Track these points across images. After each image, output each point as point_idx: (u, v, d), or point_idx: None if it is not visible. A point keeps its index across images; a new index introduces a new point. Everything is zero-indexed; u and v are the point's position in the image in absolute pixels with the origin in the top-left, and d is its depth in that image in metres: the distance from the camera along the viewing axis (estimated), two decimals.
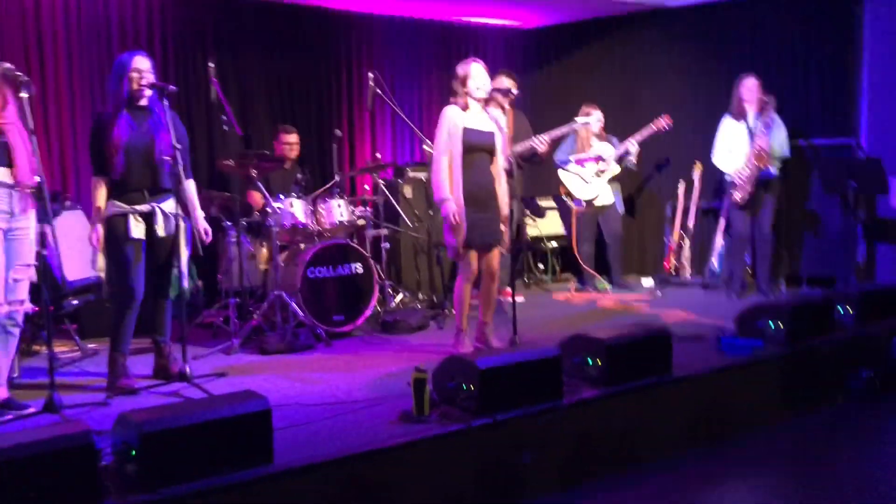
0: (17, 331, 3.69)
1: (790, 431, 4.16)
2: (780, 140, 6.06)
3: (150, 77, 4.05)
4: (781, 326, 4.48)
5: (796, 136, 6.49)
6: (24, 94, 3.48)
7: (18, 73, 3.52)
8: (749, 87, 6.07)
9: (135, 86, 4.01)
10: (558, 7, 7.29)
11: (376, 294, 5.41)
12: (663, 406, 3.88)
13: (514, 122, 6.13)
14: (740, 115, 6.13)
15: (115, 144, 3.94)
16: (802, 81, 6.76)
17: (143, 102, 4.07)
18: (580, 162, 6.61)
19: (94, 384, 4.20)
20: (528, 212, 7.13)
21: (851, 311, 4.86)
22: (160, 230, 4.07)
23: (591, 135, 6.61)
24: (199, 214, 4.27)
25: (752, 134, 6.07)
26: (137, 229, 4.03)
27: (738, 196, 6.08)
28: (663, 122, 6.58)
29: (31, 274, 3.66)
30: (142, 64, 4.03)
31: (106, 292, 4.05)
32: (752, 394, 4.22)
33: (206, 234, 4.26)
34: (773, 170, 6.05)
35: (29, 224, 3.63)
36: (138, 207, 4.03)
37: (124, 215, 4.01)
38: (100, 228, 4.00)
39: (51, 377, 3.62)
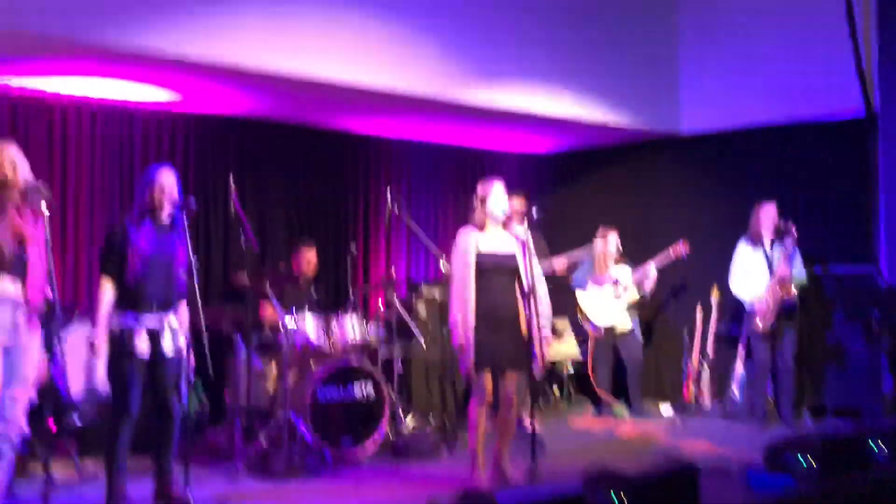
0: (10, 453, 3.54)
1: None
2: (798, 268, 6.02)
3: (173, 194, 4.05)
4: (812, 462, 4.27)
5: (814, 263, 6.44)
6: (44, 209, 3.47)
7: (41, 187, 3.52)
8: (769, 214, 6.07)
9: (157, 200, 4.01)
10: (572, 134, 7.43)
11: (387, 417, 5.23)
12: None
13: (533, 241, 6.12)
14: (757, 240, 6.11)
15: (139, 253, 3.90)
16: (820, 208, 6.76)
17: (165, 217, 4.06)
18: (597, 283, 6.56)
19: None
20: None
21: (885, 448, 4.64)
22: (167, 348, 3.97)
23: (608, 259, 6.58)
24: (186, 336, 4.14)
25: (769, 260, 6.03)
26: (143, 345, 3.93)
27: (759, 325, 5.98)
28: (681, 249, 6.56)
29: (30, 394, 3.55)
30: (166, 179, 4.05)
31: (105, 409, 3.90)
32: None
33: (190, 361, 4.13)
34: (794, 298, 5.97)
35: (32, 342, 3.54)
36: (147, 323, 3.95)
37: (130, 330, 3.90)
38: (104, 337, 3.88)
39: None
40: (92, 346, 3.90)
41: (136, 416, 3.95)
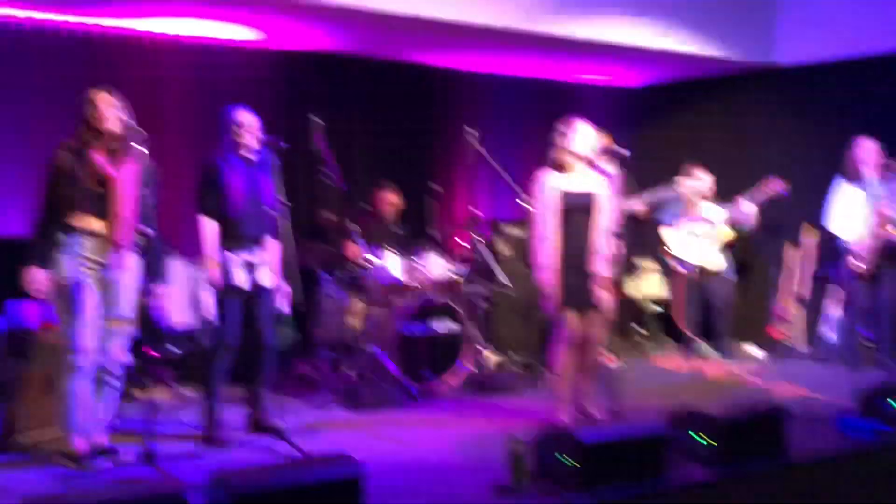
0: (116, 382, 3.75)
1: None
2: None
3: (256, 131, 4.13)
4: None
5: None
6: (141, 149, 3.59)
7: (138, 129, 3.64)
8: (867, 150, 5.76)
9: (238, 139, 4.09)
10: (662, 67, 7.16)
11: (470, 353, 5.29)
12: (778, 491, 3.58)
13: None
14: (856, 178, 5.81)
15: (235, 187, 4.01)
16: None
17: (251, 155, 4.15)
18: (687, 223, 6.39)
19: (189, 434, 4.21)
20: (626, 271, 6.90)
21: None
22: (265, 280, 4.10)
23: (699, 198, 6.39)
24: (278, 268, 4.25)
25: (871, 199, 5.74)
26: (243, 278, 4.06)
27: (857, 266, 5.73)
28: (776, 186, 6.31)
29: (131, 328, 3.73)
30: (244, 118, 4.13)
31: (207, 339, 4.08)
32: (877, 484, 3.86)
33: (287, 294, 4.23)
34: None
35: (126, 278, 3.69)
36: (246, 257, 4.08)
37: (229, 263, 4.04)
38: (217, 269, 4.01)
39: (148, 427, 3.64)
40: (206, 281, 4.03)
41: (235, 346, 4.12)
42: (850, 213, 5.83)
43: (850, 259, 5.81)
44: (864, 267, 5.70)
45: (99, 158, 3.56)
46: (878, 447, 3.93)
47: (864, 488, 3.79)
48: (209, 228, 4.04)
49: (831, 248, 6.43)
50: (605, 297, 4.37)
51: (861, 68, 6.66)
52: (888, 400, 4.20)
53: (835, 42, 6.68)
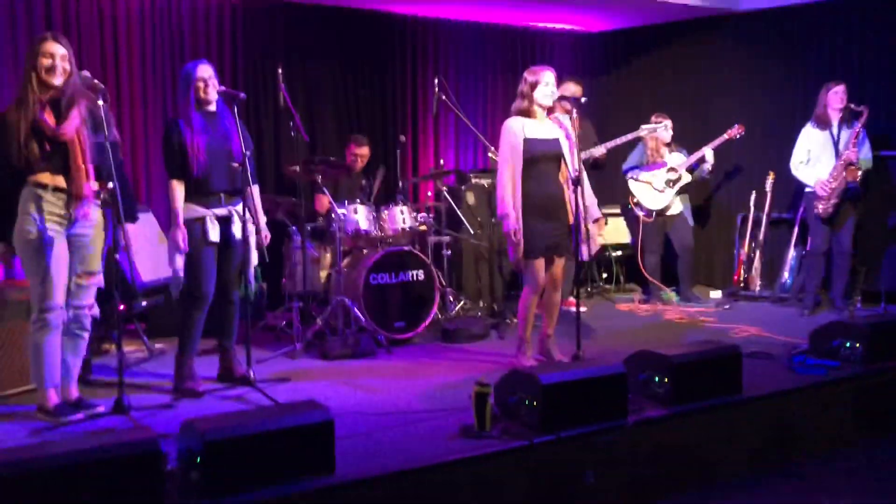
0: (85, 334, 3.78)
1: (865, 456, 3.98)
2: (866, 152, 5.84)
3: (215, 84, 4.11)
4: (858, 347, 4.31)
5: (881, 147, 6.23)
6: (100, 102, 3.56)
7: (95, 81, 3.61)
8: (840, 93, 5.84)
9: (201, 94, 4.08)
10: (627, 11, 7.17)
11: (437, 301, 5.39)
12: (732, 427, 3.75)
13: (580, 128, 6.04)
14: (824, 123, 5.91)
15: (197, 146, 4.00)
16: (888, 89, 6.48)
17: (212, 108, 4.14)
18: (649, 170, 6.48)
19: (160, 385, 4.28)
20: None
21: None
22: (237, 232, 4.13)
23: (661, 144, 6.47)
24: (262, 219, 4.29)
25: (836, 144, 5.84)
26: (214, 232, 4.09)
27: (820, 209, 5.85)
28: (735, 131, 6.41)
29: (98, 280, 3.75)
30: (205, 72, 4.10)
31: (177, 293, 4.11)
32: (826, 416, 4.06)
33: (266, 238, 4.25)
34: (858, 182, 5.82)
35: (92, 231, 3.70)
36: (216, 211, 4.10)
37: (202, 218, 4.07)
38: (184, 229, 4.04)
39: (120, 378, 3.71)
40: (175, 241, 4.04)
41: (210, 299, 4.16)
42: (813, 158, 5.94)
43: (811, 202, 5.93)
44: (826, 210, 5.82)
45: (49, 115, 3.51)
46: (826, 382, 4.11)
47: (812, 421, 3.98)
48: (175, 190, 4.06)
49: (791, 193, 6.58)
50: (570, 243, 4.45)
51: (821, 11, 6.72)
52: (838, 339, 4.38)
53: None
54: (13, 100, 3.57)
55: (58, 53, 3.53)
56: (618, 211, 7.27)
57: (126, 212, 3.75)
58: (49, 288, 3.54)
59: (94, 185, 3.62)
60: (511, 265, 4.66)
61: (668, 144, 6.51)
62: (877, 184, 6.32)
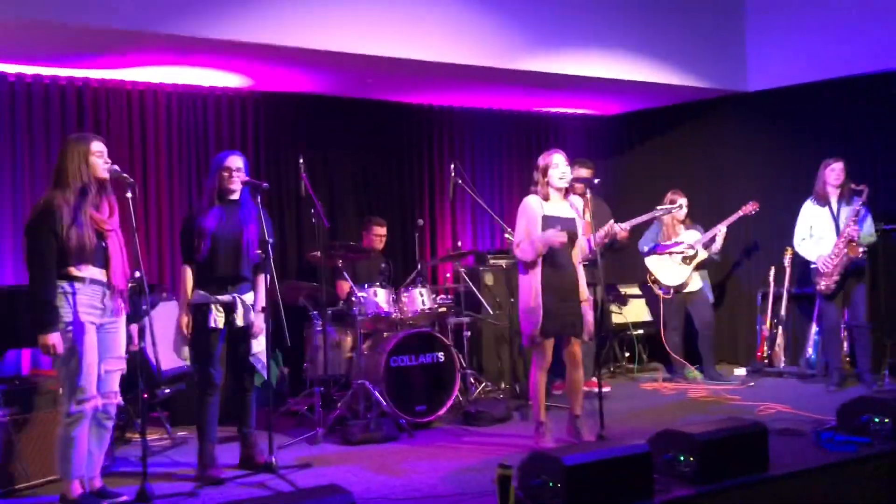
0: (110, 424, 3.82)
1: None
2: (868, 228, 5.89)
3: (242, 174, 4.26)
4: (887, 422, 4.23)
5: (886, 220, 6.27)
6: (128, 195, 3.70)
7: (125, 175, 3.75)
8: (837, 171, 5.93)
9: (225, 183, 4.22)
10: (639, 95, 7.35)
11: (458, 383, 5.38)
12: None
13: (594, 209, 6.12)
14: (823, 199, 5.98)
15: (202, 233, 4.13)
16: (893, 164, 6.55)
17: (235, 197, 4.27)
18: (665, 248, 6.53)
19: (183, 473, 4.27)
20: (611, 299, 7.03)
21: None
22: (239, 320, 4.19)
23: (676, 222, 6.54)
24: (260, 306, 4.30)
25: (836, 219, 5.90)
26: (218, 319, 4.16)
27: (822, 285, 5.88)
28: (750, 207, 6.47)
29: (122, 367, 3.81)
30: (234, 163, 4.26)
31: (188, 381, 4.17)
32: (858, 495, 3.95)
33: (259, 329, 4.28)
34: (862, 256, 5.84)
35: (120, 321, 3.80)
36: (220, 298, 4.18)
37: (206, 304, 4.15)
38: (187, 316, 4.14)
39: (144, 467, 3.71)
40: (180, 327, 4.15)
41: (219, 386, 4.21)
42: (815, 234, 6.00)
43: (816, 279, 5.96)
44: (829, 286, 5.84)
45: (95, 213, 3.66)
46: (856, 459, 4.02)
47: (843, 499, 3.88)
48: (182, 277, 4.20)
49: (806, 269, 6.58)
50: (587, 322, 4.48)
51: (826, 90, 6.86)
52: (867, 414, 4.31)
53: (802, 67, 6.89)
54: (52, 195, 3.63)
55: (104, 151, 3.72)
56: (634, 291, 7.30)
57: (143, 309, 3.84)
58: (84, 380, 3.60)
59: (135, 274, 3.74)
60: (525, 341, 4.66)
61: (683, 222, 6.58)
62: (887, 257, 6.32)
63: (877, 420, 4.26)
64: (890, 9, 6.30)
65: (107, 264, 3.69)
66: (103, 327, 3.72)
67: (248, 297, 4.26)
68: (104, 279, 3.69)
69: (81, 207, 3.60)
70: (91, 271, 3.65)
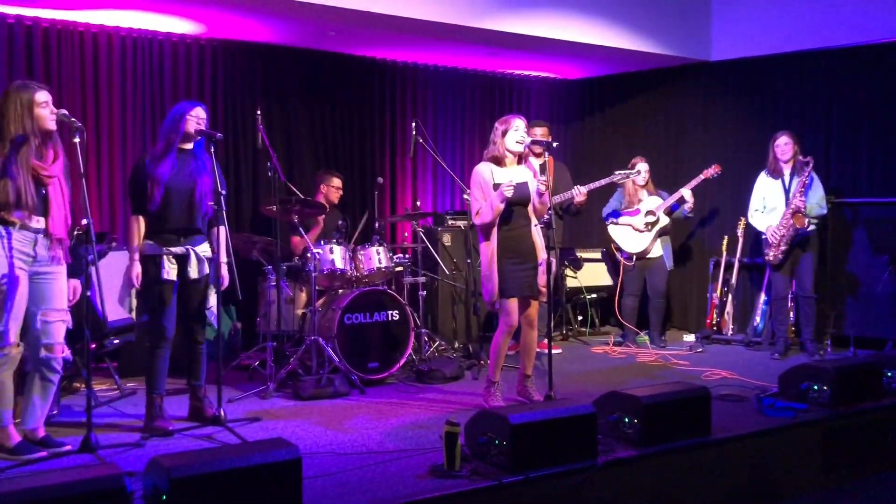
0: (55, 377, 3.75)
1: (834, 500, 4.01)
2: (817, 199, 6.00)
3: (201, 125, 4.18)
4: (826, 389, 4.36)
5: (846, 195, 6.39)
6: (76, 140, 3.60)
7: (73, 120, 3.64)
8: (782, 145, 6.03)
9: (191, 128, 4.13)
10: (603, 60, 7.34)
11: (412, 342, 5.40)
12: (701, 468, 3.77)
13: (555, 172, 6.15)
14: (776, 172, 6.08)
15: (156, 181, 4.04)
16: (850, 138, 6.67)
17: (188, 146, 4.18)
18: (628, 214, 6.59)
19: (130, 424, 4.24)
20: (566, 263, 7.08)
21: None
22: (193, 272, 4.14)
23: (639, 188, 6.58)
24: (223, 260, 4.30)
25: (787, 192, 6.00)
26: (170, 271, 4.10)
27: (770, 255, 6.02)
28: (712, 171, 6.54)
29: (65, 318, 3.73)
30: (201, 113, 4.19)
31: (137, 332, 4.11)
32: (794, 458, 4.08)
33: (225, 279, 4.29)
34: (810, 228, 5.96)
35: (59, 270, 3.71)
36: (173, 249, 4.12)
37: (158, 256, 4.09)
38: (138, 266, 4.07)
39: (88, 417, 3.67)
40: (130, 277, 4.09)
41: (171, 339, 4.16)
42: (767, 205, 6.11)
43: (765, 249, 6.08)
44: (777, 256, 5.97)
45: (35, 161, 3.55)
46: (794, 424, 4.14)
47: (781, 463, 4.00)
48: (132, 227, 4.11)
49: (757, 238, 6.70)
50: (542, 284, 4.52)
51: (789, 63, 6.93)
52: (806, 382, 4.43)
53: (765, 38, 6.94)
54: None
55: (50, 100, 3.61)
56: (594, 256, 7.36)
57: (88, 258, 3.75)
58: (6, 326, 3.53)
59: (79, 223, 3.65)
60: (486, 306, 4.69)
61: (646, 187, 6.61)
62: (843, 230, 6.47)
63: (815, 388, 4.39)
64: None
65: (46, 212, 3.59)
66: (37, 275, 3.63)
67: (201, 249, 4.20)
68: (41, 227, 3.59)
69: (15, 158, 3.49)
70: (27, 218, 3.55)
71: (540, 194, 4.47)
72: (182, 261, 4.14)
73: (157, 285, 4.10)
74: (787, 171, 6.06)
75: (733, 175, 7.02)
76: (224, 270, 4.28)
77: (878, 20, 6.34)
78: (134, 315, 4.11)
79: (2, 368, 3.56)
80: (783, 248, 5.96)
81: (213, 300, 4.24)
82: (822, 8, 6.60)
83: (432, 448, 3.63)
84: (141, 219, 4.12)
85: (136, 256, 4.08)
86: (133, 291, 4.08)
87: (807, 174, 5.93)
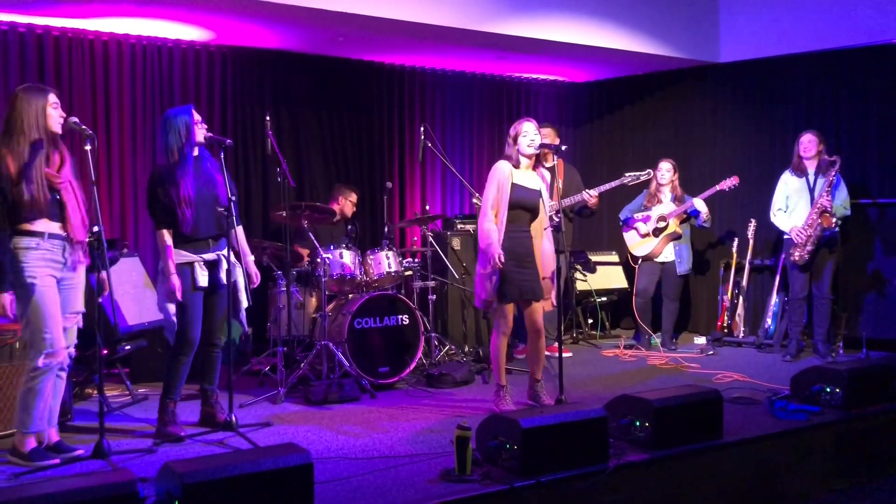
0: (65, 375, 3.79)
1: (847, 503, 3.99)
2: (841, 200, 5.94)
3: (203, 130, 4.19)
4: (838, 392, 4.34)
5: (857, 195, 6.35)
6: (87, 147, 3.62)
7: (83, 127, 3.67)
8: (805, 142, 5.98)
9: (202, 137, 4.14)
10: (611, 63, 7.33)
11: (422, 346, 5.40)
12: (713, 472, 3.76)
13: (565, 175, 6.15)
14: (799, 169, 6.03)
15: (187, 199, 4.02)
16: (861, 139, 6.64)
17: (196, 153, 4.19)
18: (635, 222, 6.58)
19: (142, 430, 4.26)
20: (577, 266, 7.08)
21: None
22: (225, 277, 4.15)
23: (661, 186, 6.54)
24: (250, 259, 4.35)
25: (811, 191, 5.95)
26: (203, 278, 4.12)
27: (796, 255, 5.94)
28: (729, 183, 6.44)
29: (79, 320, 3.78)
30: (196, 115, 4.18)
31: (172, 337, 4.12)
32: (807, 461, 4.06)
33: (256, 277, 4.34)
34: (834, 229, 5.92)
35: (80, 272, 3.75)
36: (205, 256, 4.13)
37: (190, 264, 4.10)
38: (177, 279, 4.04)
39: (101, 423, 3.69)
40: (166, 292, 4.06)
41: (196, 345, 4.17)
42: (790, 205, 6.05)
43: (789, 248, 6.02)
44: (802, 256, 5.91)
45: (46, 168, 3.57)
46: (806, 427, 4.12)
47: (792, 466, 3.98)
48: (164, 242, 4.09)
49: (773, 240, 6.68)
50: (546, 288, 4.52)
51: (799, 64, 6.90)
52: (818, 384, 4.41)
53: (773, 40, 6.92)
54: (6, 149, 3.55)
55: (58, 103, 3.64)
56: (607, 259, 7.36)
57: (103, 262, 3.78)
58: (51, 333, 3.56)
59: (96, 226, 3.68)
60: (480, 307, 4.68)
61: (669, 187, 6.54)
62: (856, 231, 6.43)
63: (828, 390, 4.37)
64: None
65: (63, 217, 3.62)
66: (64, 281, 3.67)
67: (227, 254, 4.19)
68: (63, 233, 3.63)
69: (34, 162, 3.52)
70: (48, 226, 3.58)
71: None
72: (213, 267, 4.16)
73: (190, 293, 4.10)
74: (810, 169, 6.00)
75: (743, 176, 6.99)
76: (253, 268, 4.31)
77: (887, 20, 6.31)
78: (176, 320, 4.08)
79: (45, 377, 3.59)
80: (809, 248, 5.88)
81: (244, 301, 4.26)
82: (830, 8, 6.58)
83: (443, 452, 3.64)
84: (166, 232, 4.09)
85: (174, 269, 4.06)
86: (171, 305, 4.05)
87: (833, 174, 5.88)
